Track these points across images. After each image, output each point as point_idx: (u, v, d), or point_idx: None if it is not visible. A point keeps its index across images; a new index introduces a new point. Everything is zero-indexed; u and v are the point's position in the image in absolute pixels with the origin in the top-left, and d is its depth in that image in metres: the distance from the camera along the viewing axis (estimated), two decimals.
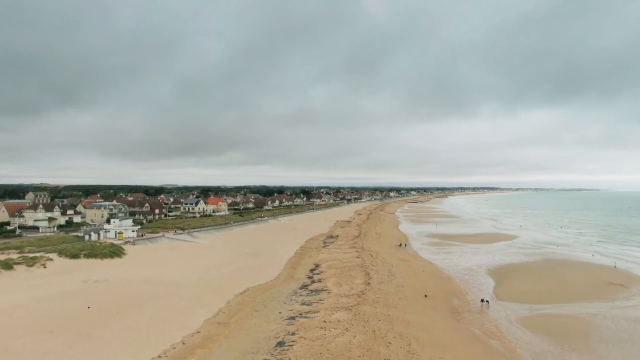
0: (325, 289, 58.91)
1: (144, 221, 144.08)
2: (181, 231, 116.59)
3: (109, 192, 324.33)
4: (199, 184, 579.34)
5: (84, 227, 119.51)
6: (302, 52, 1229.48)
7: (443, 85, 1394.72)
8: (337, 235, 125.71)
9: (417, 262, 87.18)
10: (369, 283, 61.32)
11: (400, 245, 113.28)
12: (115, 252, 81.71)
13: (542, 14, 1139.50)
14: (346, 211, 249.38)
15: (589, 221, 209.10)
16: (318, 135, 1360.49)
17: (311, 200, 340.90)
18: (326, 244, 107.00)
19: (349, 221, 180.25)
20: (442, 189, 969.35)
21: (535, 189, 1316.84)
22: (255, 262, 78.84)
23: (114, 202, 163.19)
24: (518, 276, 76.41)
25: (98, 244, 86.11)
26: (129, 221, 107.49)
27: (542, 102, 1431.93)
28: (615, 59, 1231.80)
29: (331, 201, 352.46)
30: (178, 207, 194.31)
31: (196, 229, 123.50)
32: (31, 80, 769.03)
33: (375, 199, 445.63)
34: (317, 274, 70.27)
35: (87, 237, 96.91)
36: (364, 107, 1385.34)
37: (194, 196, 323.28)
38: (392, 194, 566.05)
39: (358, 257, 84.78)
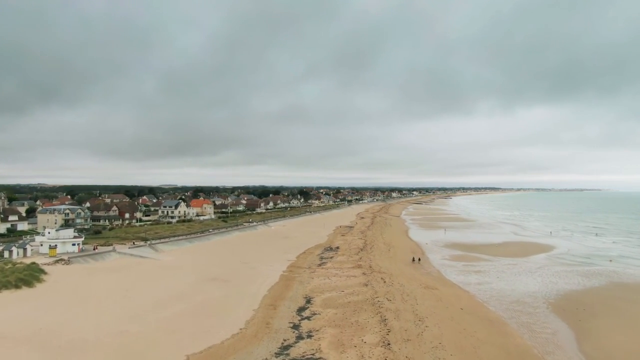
0: (317, 357, 35.46)
1: (108, 227, 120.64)
2: (142, 243, 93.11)
3: (93, 193, 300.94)
4: (198, 184, 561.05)
5: (26, 237, 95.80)
6: (289, 46, 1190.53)
7: (438, 81, 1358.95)
8: (338, 247, 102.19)
9: (447, 290, 63.69)
10: (389, 343, 37.86)
11: (414, 260, 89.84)
12: (26, 278, 58.22)
13: (539, 6, 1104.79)
14: (347, 214, 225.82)
15: (616, 225, 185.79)
16: (313, 134, 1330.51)
17: (309, 201, 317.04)
18: (323, 261, 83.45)
19: (350, 227, 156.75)
20: (444, 190, 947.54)
21: (537, 189, 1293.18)
22: (221, 295, 55.31)
23: (69, 205, 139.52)
24: (598, 316, 52.97)
25: (9, 266, 62.58)
26: (69, 231, 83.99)
27: (540, 99, 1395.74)
28: (616, 54, 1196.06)
29: (331, 202, 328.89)
30: (157, 210, 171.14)
31: (163, 240, 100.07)
32: (9, 77, 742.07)
33: (377, 200, 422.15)
34: (308, 318, 46.77)
35: (6, 254, 73.35)
36: (358, 105, 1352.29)
37: (189, 197, 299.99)
38: (394, 194, 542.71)
39: (366, 285, 61.29)
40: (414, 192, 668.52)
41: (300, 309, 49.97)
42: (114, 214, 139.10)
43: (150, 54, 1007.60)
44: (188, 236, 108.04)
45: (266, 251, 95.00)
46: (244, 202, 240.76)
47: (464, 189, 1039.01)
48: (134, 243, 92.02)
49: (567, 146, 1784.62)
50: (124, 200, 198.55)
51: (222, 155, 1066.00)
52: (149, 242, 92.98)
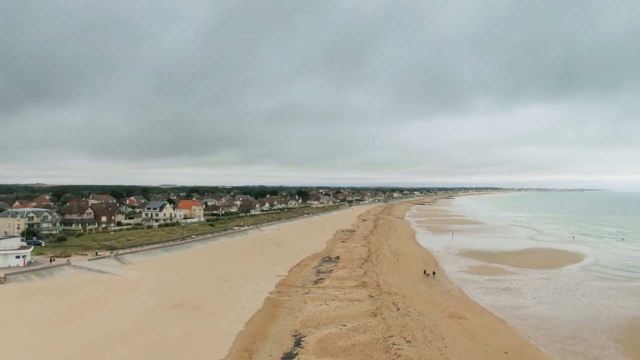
0: None
1: (76, 234, 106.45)
2: (107, 253, 78.94)
3: (83, 194, 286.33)
4: (198, 184, 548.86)
5: None
6: (280, 41, 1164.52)
7: (434, 79, 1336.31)
8: (338, 257, 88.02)
9: (478, 320, 49.58)
10: None
11: (428, 273, 75.78)
12: None
13: (537, 0, 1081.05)
14: (348, 216, 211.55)
15: (633, 229, 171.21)
16: (310, 133, 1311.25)
17: (308, 202, 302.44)
18: (320, 277, 69.32)
19: (352, 231, 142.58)
20: (445, 190, 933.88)
21: (538, 190, 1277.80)
22: (179, 334, 41.15)
23: (34, 207, 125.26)
24: None
25: None
26: (13, 240, 69.88)
27: (538, 97, 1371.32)
28: (618, 50, 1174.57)
29: (330, 203, 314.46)
30: (141, 213, 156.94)
31: (135, 249, 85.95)
32: None
33: (378, 201, 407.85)
34: None
35: None
36: (354, 103, 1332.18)
37: (183, 197, 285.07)
38: (395, 194, 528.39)
39: (375, 315, 47.17)
40: (416, 193, 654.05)
41: (286, 358, 35.82)
42: (89, 217, 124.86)
43: (137, 50, 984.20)
44: (166, 244, 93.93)
45: (254, 262, 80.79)
46: (237, 203, 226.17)
47: (465, 189, 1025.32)
48: (96, 253, 77.92)
49: (566, 145, 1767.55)
50: (109, 201, 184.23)
51: (219, 155, 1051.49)
52: (114, 253, 78.76)
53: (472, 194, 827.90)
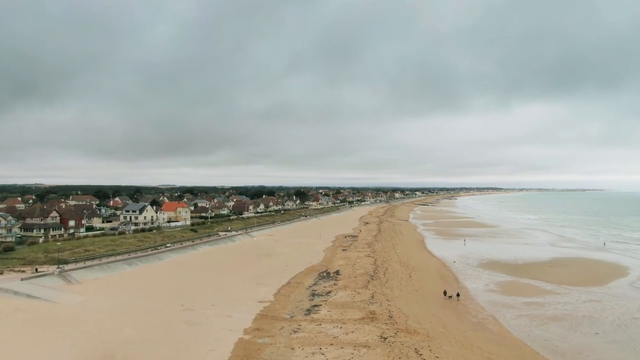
0: None
1: (28, 242, 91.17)
2: (53, 269, 63.68)
3: (74, 193, 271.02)
4: (198, 184, 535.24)
5: None
6: (269, 35, 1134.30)
7: (430, 75, 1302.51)
8: (338, 273, 72.77)
9: None
10: None
11: (450, 295, 60.55)
12: None
13: None
14: (349, 218, 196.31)
15: None
16: (307, 132, 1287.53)
17: (306, 203, 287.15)
18: (315, 301, 54.11)
19: (354, 236, 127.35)
20: (447, 190, 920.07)
21: (539, 190, 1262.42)
22: None
23: None
24: None
25: None
26: None
27: (537, 94, 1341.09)
28: (618, 46, 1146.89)
29: (330, 204, 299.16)
30: (119, 216, 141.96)
31: (93, 261, 70.78)
32: None
33: (380, 201, 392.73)
34: None
35: None
36: (348, 101, 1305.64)
37: (178, 197, 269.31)
38: (397, 195, 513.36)
39: None
40: (417, 193, 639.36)
41: None
42: (54, 222, 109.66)
43: (121, 45, 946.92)
44: (132, 255, 78.63)
45: (233, 280, 65.56)
46: (231, 204, 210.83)
47: (466, 189, 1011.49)
48: (36, 270, 62.61)
49: (566, 145, 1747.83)
50: (88, 202, 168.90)
51: (216, 155, 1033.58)
52: (60, 269, 63.42)
53: (473, 194, 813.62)
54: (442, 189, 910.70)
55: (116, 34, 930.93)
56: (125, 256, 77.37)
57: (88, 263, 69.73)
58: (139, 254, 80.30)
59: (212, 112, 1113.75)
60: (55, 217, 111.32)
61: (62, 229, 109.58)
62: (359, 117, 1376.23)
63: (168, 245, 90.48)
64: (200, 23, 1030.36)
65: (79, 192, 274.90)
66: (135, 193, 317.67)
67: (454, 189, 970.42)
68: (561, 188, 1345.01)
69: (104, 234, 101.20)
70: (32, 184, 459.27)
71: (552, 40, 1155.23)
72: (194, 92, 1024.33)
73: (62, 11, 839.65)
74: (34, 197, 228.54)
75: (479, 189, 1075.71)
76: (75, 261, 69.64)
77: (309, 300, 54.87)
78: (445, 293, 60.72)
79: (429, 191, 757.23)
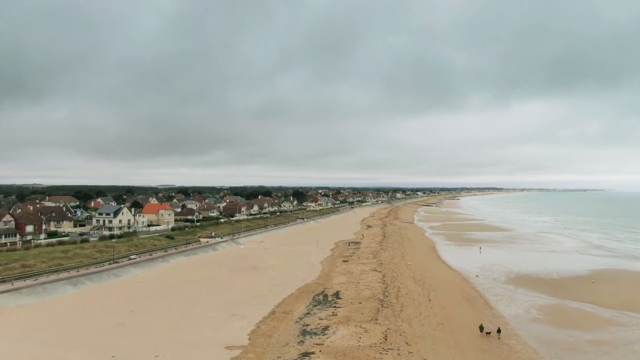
0: None
1: None
2: None
3: (61, 194, 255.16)
4: (196, 184, 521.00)
5: None
6: (258, 30, 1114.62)
7: (425, 72, 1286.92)
8: (337, 294, 57.43)
9: None
10: None
11: (488, 332, 45.24)
12: None
13: None
14: (350, 221, 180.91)
15: None
16: (302, 132, 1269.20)
17: (304, 204, 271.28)
18: (305, 347, 38.85)
19: (356, 242, 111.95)
20: (448, 190, 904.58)
21: (540, 190, 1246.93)
22: None
23: None
24: None
25: None
26: None
27: (536, 91, 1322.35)
28: (618, 42, 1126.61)
29: (329, 205, 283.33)
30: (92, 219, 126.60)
31: (22, 282, 55.40)
32: None
33: (381, 202, 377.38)
34: None
35: None
36: (342, 99, 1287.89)
37: (167, 198, 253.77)
38: (398, 195, 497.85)
39: None
40: (419, 193, 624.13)
41: None
42: (7, 227, 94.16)
43: (104, 41, 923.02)
44: (81, 271, 63.25)
45: (200, 309, 50.16)
46: (223, 205, 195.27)
47: (467, 190, 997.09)
48: None
49: (566, 144, 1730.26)
50: (59, 204, 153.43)
51: (212, 155, 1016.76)
52: None
53: (475, 195, 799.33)
54: (443, 189, 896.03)
55: (98, 28, 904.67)
56: (73, 272, 62.14)
57: (18, 284, 54.37)
58: (92, 269, 65.05)
59: (205, 111, 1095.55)
60: (9, 221, 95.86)
61: (18, 236, 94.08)
62: (355, 115, 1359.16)
63: (132, 257, 75.00)
64: (184, 17, 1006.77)
65: (66, 193, 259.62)
66: (126, 193, 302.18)
67: (454, 189, 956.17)
68: (562, 188, 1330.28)
69: (60, 243, 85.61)
70: (30, 184, 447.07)
71: (551, 36, 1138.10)
72: (185, 89, 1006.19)
73: (39, 2, 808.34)
74: (14, 198, 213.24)
75: (480, 189, 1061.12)
76: (3, 281, 54.26)
77: (298, 342, 39.57)
78: (481, 329, 45.45)
79: (430, 191, 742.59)
